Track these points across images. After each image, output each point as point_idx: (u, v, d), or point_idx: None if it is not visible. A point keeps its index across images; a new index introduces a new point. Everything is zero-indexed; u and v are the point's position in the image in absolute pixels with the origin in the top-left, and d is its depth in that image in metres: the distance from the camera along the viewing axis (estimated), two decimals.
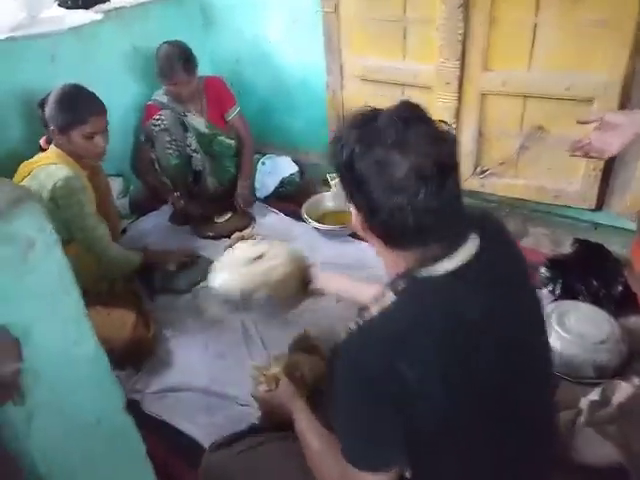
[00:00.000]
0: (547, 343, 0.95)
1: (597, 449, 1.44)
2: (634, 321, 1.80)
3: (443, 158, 0.75)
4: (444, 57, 2.07)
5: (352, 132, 0.79)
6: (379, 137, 0.76)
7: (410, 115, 0.77)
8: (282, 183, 2.59)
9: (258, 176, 2.60)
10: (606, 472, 1.37)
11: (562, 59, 1.90)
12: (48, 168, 1.66)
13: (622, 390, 1.55)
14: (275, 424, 1.35)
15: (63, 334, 0.81)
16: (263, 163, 2.62)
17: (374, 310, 0.81)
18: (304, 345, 1.62)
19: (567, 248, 2.06)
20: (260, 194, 2.61)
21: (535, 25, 1.89)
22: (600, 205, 2.11)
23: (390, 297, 0.80)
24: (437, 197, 0.74)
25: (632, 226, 2.00)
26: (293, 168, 2.63)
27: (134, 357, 1.70)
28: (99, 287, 1.83)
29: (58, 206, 1.63)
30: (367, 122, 0.79)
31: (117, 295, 1.86)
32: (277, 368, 1.58)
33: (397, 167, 0.74)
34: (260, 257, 1.46)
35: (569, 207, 2.16)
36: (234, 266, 1.48)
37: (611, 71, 1.82)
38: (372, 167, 0.76)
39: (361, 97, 2.45)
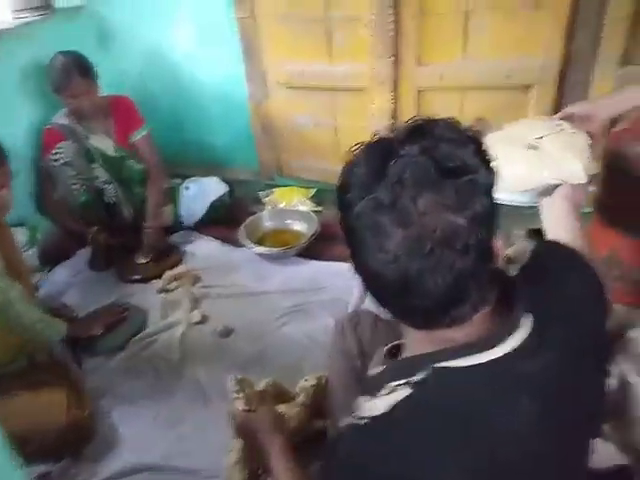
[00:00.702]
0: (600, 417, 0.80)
1: (599, 452, 1.36)
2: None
3: (451, 231, 0.56)
4: (376, 55, 1.95)
5: (358, 168, 0.61)
6: (378, 189, 0.58)
7: (435, 168, 0.57)
8: (212, 206, 2.34)
9: (183, 203, 2.33)
10: (609, 476, 1.28)
11: (498, 47, 1.84)
12: None
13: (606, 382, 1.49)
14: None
15: None
16: (187, 188, 2.36)
17: (381, 403, 0.64)
18: (273, 393, 1.44)
19: (519, 237, 2.01)
20: (188, 222, 2.34)
21: (467, 13, 1.82)
22: None
23: (403, 389, 0.63)
24: (432, 277, 0.57)
25: None
26: (222, 188, 2.39)
27: (71, 444, 1.41)
28: (17, 363, 1.50)
29: None
30: (377, 160, 0.60)
31: (40, 368, 1.53)
32: (263, 387, 1.37)
33: (386, 233, 0.57)
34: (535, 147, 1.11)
35: None
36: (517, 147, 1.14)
37: (547, 55, 1.79)
38: (360, 222, 0.60)
39: (288, 106, 2.29)
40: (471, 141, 0.60)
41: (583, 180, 1.05)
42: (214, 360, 1.67)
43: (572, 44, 1.77)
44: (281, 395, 1.46)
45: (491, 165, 0.61)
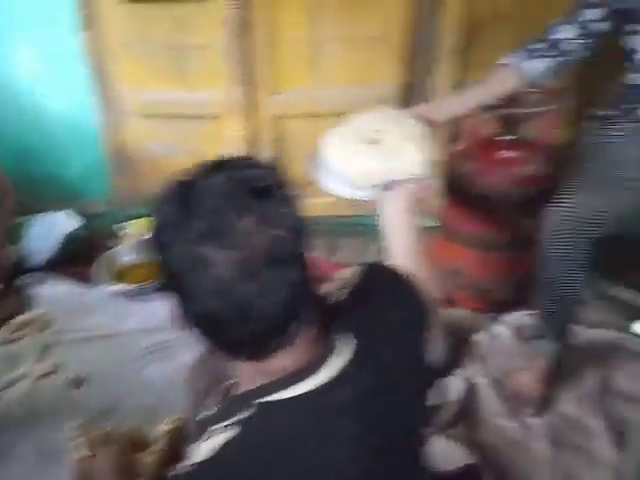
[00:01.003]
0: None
1: (448, 454, 1.42)
2: (449, 312, 1.88)
3: (275, 246, 0.57)
4: (230, 83, 1.97)
5: (166, 207, 0.60)
6: (192, 223, 0.57)
7: (243, 190, 0.58)
8: (64, 243, 2.16)
9: (28, 241, 2.12)
10: (459, 476, 1.34)
11: (346, 75, 1.95)
12: None
13: (455, 386, 1.58)
14: None
15: None
16: (32, 224, 2.15)
17: (207, 446, 0.62)
18: (130, 442, 1.34)
19: (376, 253, 2.10)
20: (35, 261, 2.12)
21: (316, 43, 1.90)
22: None
23: (230, 429, 0.62)
24: (267, 296, 0.57)
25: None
26: (74, 223, 2.22)
27: None
28: None
29: None
30: (182, 197, 0.59)
31: None
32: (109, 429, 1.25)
33: (212, 264, 0.56)
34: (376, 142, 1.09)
35: (367, 215, 2.24)
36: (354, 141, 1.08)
37: (389, 85, 1.93)
38: (182, 261, 0.58)
39: (144, 134, 2.21)
40: (271, 166, 0.64)
41: (424, 173, 1.06)
42: (64, 414, 1.52)
43: (410, 73, 1.92)
44: (139, 443, 1.37)
45: (290, 186, 0.64)
